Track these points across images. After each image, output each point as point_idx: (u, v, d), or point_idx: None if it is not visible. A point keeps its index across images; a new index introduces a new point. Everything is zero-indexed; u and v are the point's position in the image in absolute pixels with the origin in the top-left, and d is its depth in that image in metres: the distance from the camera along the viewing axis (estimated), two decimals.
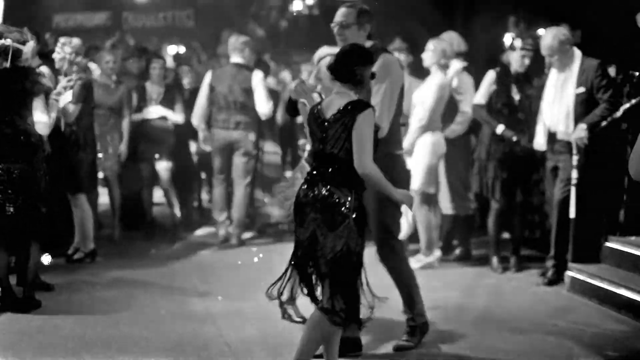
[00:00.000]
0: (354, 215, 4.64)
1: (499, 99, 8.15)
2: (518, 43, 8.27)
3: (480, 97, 8.23)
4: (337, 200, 4.64)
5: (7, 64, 6.42)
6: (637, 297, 6.67)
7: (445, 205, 8.64)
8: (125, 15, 18.94)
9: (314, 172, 4.79)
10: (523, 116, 8.07)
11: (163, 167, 9.33)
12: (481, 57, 10.85)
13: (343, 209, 4.63)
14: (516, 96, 8.06)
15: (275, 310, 6.28)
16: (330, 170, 4.71)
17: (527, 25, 12.78)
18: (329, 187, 4.67)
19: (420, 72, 8.85)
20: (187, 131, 9.58)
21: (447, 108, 8.43)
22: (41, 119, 6.49)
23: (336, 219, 4.63)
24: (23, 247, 6.63)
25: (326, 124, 4.74)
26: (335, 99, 4.80)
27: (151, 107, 9.27)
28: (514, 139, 7.98)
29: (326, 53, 5.96)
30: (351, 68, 4.78)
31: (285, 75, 12.78)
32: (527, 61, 8.09)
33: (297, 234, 4.81)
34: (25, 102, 6.43)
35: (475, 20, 13.60)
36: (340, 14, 5.57)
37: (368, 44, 5.46)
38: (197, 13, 19.03)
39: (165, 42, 17.26)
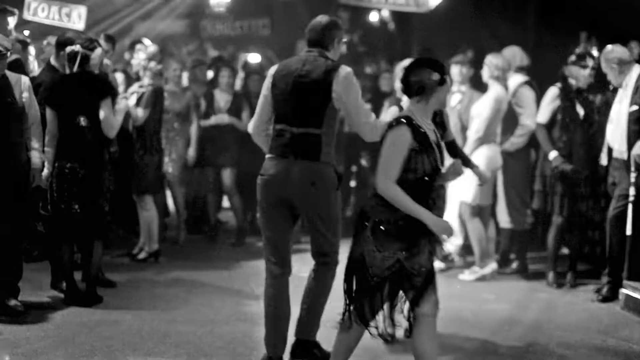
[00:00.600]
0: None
1: (565, 114, 8.13)
2: (590, 62, 8.19)
3: (542, 116, 8.22)
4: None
5: (76, 69, 6.74)
6: None
7: (503, 218, 8.68)
8: (203, 24, 19.36)
9: None
10: (591, 130, 8.05)
11: (227, 173, 9.56)
12: (552, 72, 10.84)
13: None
14: (581, 110, 8.05)
15: (325, 314, 6.40)
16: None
17: (599, 41, 12.71)
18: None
19: (484, 86, 8.92)
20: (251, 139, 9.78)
21: (507, 121, 8.49)
22: (108, 122, 6.79)
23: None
24: (87, 244, 6.93)
25: None
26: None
27: (219, 115, 9.52)
28: (560, 168, 7.98)
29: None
30: (406, 78, 4.78)
31: None
32: (591, 80, 8.08)
33: None
34: (92, 105, 6.73)
35: (547, 34, 13.58)
36: None
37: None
38: (273, 22, 19.33)
39: (242, 51, 17.58)
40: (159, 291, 7.50)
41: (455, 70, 8.97)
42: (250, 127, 5.79)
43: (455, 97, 8.94)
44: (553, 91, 8.23)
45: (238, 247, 9.53)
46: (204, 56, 13.75)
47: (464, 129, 8.69)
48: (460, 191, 8.36)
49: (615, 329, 6.81)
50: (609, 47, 7.73)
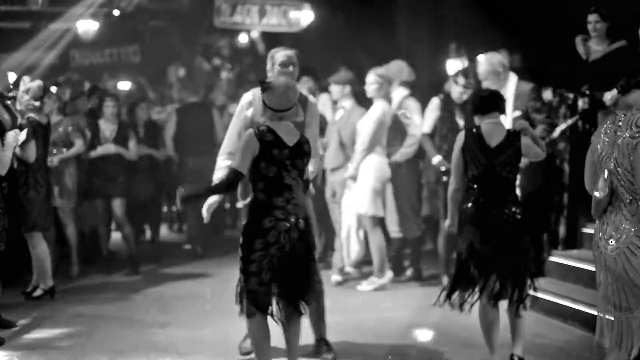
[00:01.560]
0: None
1: (444, 124, 8.48)
2: (461, 80, 8.54)
3: (427, 126, 8.54)
4: (519, 214, 5.75)
5: None
6: (581, 307, 7.00)
7: (394, 228, 8.91)
8: (72, 54, 19.04)
9: (489, 193, 5.76)
10: None
11: (117, 203, 9.46)
12: (425, 84, 11.22)
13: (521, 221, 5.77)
14: (460, 121, 8.37)
15: (234, 335, 6.45)
16: (507, 190, 5.79)
17: (468, 51, 13.19)
18: (511, 205, 5.76)
19: (366, 101, 9.18)
20: (140, 167, 9.78)
21: (393, 133, 8.73)
22: None
23: (520, 231, 5.78)
24: None
25: (491, 150, 5.74)
26: (494, 128, 5.81)
27: (105, 145, 9.43)
28: (443, 169, 8.29)
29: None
30: (500, 100, 5.92)
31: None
32: (465, 97, 8.33)
33: (480, 249, 5.74)
34: None
35: (418, 48, 14.01)
36: (290, 54, 6.23)
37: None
38: (143, 49, 19.20)
39: (114, 79, 17.40)
40: (61, 329, 7.31)
41: (336, 89, 9.15)
42: None
43: (339, 113, 9.13)
44: (435, 102, 8.55)
45: (133, 276, 9.42)
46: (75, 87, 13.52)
47: (341, 144, 8.86)
48: (356, 204, 8.56)
49: None
50: (491, 54, 8.05)
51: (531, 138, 5.83)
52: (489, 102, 5.88)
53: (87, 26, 17.67)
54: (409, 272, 9.01)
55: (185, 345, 6.70)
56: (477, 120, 5.92)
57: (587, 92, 7.98)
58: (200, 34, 19.47)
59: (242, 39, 22.37)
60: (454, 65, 13.92)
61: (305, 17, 14.95)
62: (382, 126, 8.54)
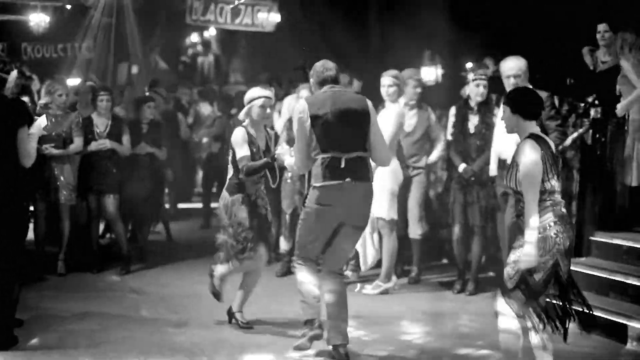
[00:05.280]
0: None
1: (454, 128, 8.48)
2: (471, 75, 8.57)
3: (449, 133, 8.57)
4: None
5: None
6: (598, 313, 7.06)
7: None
8: (24, 46, 18.57)
9: None
10: (480, 142, 8.34)
11: (110, 200, 9.21)
12: None
13: None
14: (472, 124, 8.36)
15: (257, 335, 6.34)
16: None
17: (442, 59, 13.27)
18: None
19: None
20: (140, 164, 9.54)
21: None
22: (25, 150, 6.33)
23: None
24: (5, 283, 6.40)
25: None
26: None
27: (100, 140, 9.17)
28: (469, 173, 8.33)
29: (258, 94, 6.88)
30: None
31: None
32: (482, 89, 8.34)
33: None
34: (10, 133, 6.26)
35: (391, 53, 14.06)
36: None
37: None
38: (96, 44, 18.85)
39: (65, 75, 17.04)
40: (72, 326, 7.05)
41: None
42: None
43: None
44: (452, 110, 8.57)
45: (125, 275, 9.15)
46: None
47: None
48: (375, 208, 8.48)
49: None
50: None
51: None
52: None
53: (39, 19, 17.28)
54: (413, 274, 8.99)
55: (210, 346, 6.53)
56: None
57: (596, 102, 8.10)
58: (156, 31, 19.24)
59: (194, 38, 22.18)
60: (428, 72, 14.09)
61: (274, 17, 14.91)
62: (401, 129, 8.50)
